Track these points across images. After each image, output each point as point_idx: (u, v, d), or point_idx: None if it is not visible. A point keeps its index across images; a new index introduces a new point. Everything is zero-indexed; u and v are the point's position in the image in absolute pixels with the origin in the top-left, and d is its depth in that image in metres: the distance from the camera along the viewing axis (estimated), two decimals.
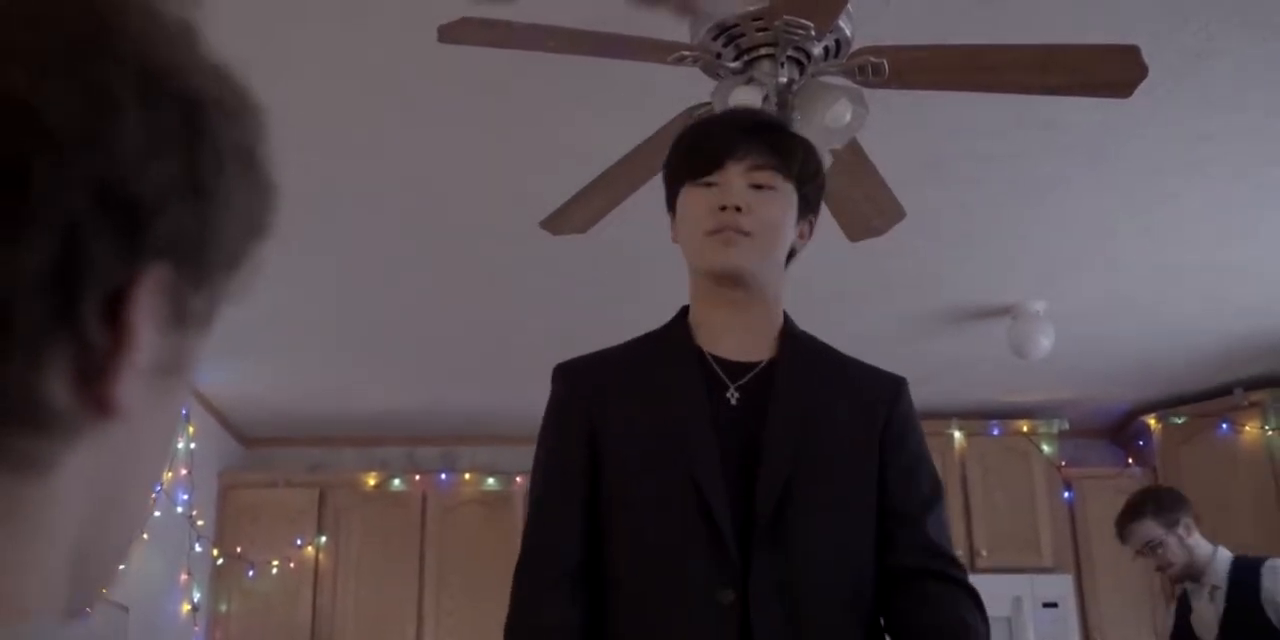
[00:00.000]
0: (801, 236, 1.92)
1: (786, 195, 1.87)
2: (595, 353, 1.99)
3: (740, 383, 1.86)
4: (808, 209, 1.92)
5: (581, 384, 1.94)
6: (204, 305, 0.53)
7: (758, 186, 1.85)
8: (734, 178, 1.85)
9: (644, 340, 1.99)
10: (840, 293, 4.73)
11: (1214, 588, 3.99)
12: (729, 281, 1.88)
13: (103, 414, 0.48)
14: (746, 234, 1.83)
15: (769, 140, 1.88)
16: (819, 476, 1.80)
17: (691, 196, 1.88)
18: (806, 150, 1.92)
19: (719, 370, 1.87)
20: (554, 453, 1.91)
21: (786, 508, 1.76)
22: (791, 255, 1.93)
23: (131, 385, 0.48)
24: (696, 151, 1.90)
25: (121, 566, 0.57)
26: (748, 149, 1.86)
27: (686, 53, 2.72)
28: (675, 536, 1.76)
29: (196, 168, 0.49)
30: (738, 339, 1.89)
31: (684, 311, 1.99)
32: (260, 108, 0.54)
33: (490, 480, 6.22)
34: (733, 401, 1.84)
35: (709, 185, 1.86)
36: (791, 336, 1.92)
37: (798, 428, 1.82)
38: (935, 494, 1.90)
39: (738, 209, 1.82)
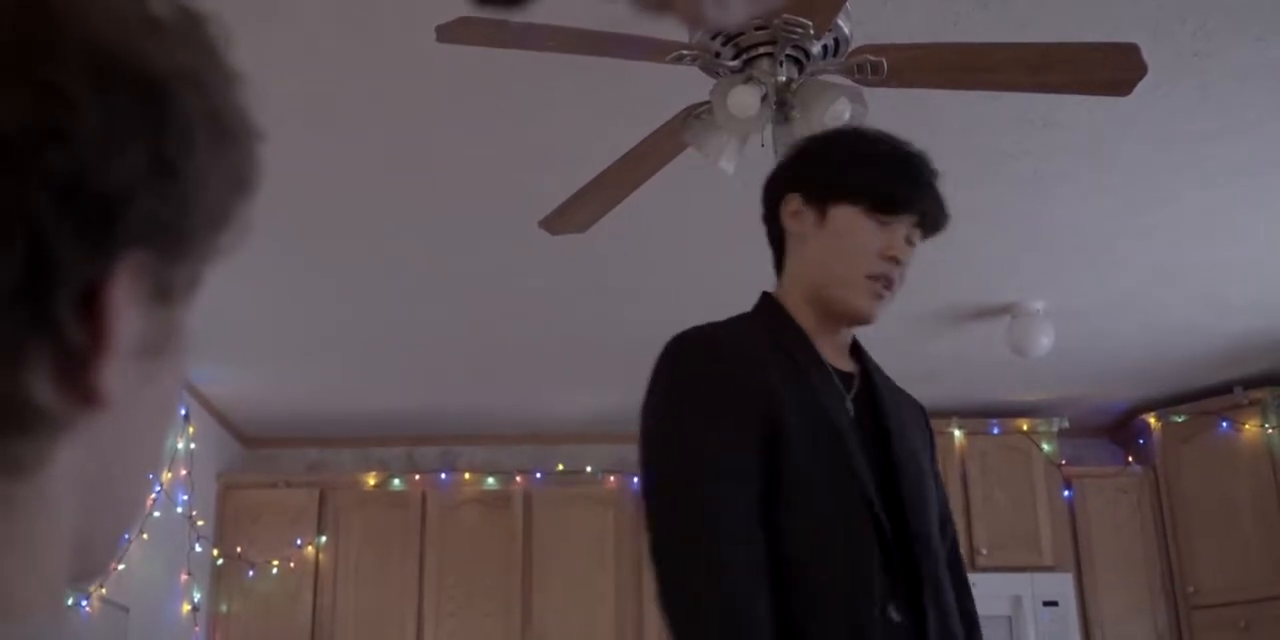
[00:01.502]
0: None
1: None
2: (721, 328, 1.86)
3: (851, 395, 1.85)
4: None
5: (744, 360, 1.79)
6: (188, 273, 0.52)
7: (909, 241, 1.87)
8: (902, 228, 1.85)
9: (760, 327, 1.88)
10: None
11: None
12: (851, 321, 1.89)
13: (89, 406, 0.48)
14: (891, 289, 1.85)
15: (937, 198, 1.88)
16: (930, 496, 1.84)
17: (860, 224, 1.84)
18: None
19: (838, 380, 1.85)
20: (725, 428, 1.72)
21: (925, 531, 1.78)
22: None
23: (116, 373, 0.48)
24: (894, 187, 1.85)
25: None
26: (926, 204, 1.86)
27: (685, 52, 2.72)
28: (856, 551, 1.71)
29: (164, 150, 0.48)
30: (835, 350, 1.90)
31: (775, 302, 1.91)
32: (231, 61, 0.52)
33: (490, 480, 6.21)
34: (851, 413, 1.82)
35: (880, 223, 1.84)
36: (860, 349, 1.94)
37: (910, 448, 1.84)
38: None
39: (899, 263, 1.84)
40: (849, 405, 1.82)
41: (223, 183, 0.51)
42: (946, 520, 1.91)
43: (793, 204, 1.88)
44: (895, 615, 1.69)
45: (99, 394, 0.47)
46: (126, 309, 0.48)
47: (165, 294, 0.50)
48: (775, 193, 1.92)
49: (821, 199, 1.86)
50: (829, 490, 1.73)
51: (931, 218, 1.86)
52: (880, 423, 1.83)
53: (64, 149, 0.45)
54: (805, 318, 1.87)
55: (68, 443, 0.48)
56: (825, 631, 1.68)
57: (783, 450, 1.71)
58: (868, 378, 1.88)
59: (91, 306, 0.47)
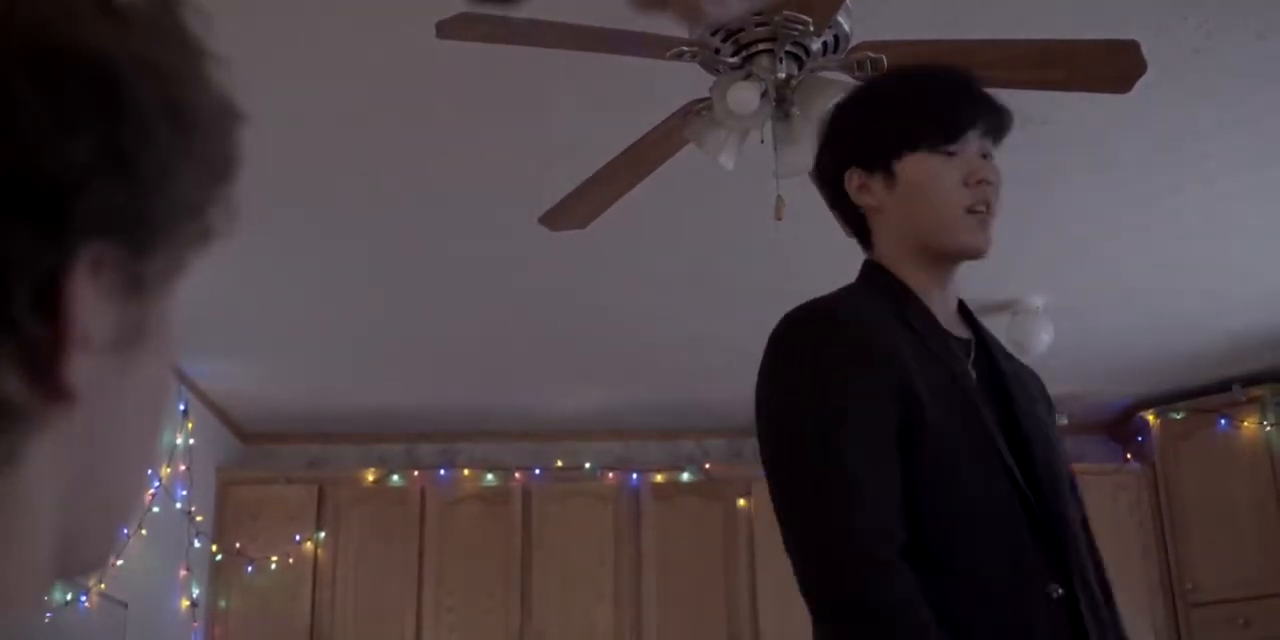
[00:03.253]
0: None
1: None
2: (835, 300, 1.77)
3: (970, 361, 1.75)
4: None
5: (871, 337, 1.68)
6: (165, 264, 0.51)
7: (985, 155, 1.77)
8: (972, 146, 1.75)
9: (874, 296, 1.78)
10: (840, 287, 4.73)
11: None
12: (957, 264, 1.79)
13: (59, 402, 0.47)
14: (991, 212, 1.76)
15: (989, 101, 1.78)
16: (1061, 470, 1.74)
17: (931, 166, 1.74)
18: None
19: (956, 347, 1.75)
20: (863, 413, 1.62)
21: (1069, 502, 1.71)
22: None
23: (84, 368, 0.47)
24: (932, 116, 1.75)
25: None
26: (989, 115, 1.76)
27: (685, 48, 2.72)
28: (1005, 527, 1.63)
29: (118, 138, 0.46)
30: (947, 314, 1.80)
31: (883, 267, 1.81)
32: (206, 46, 0.51)
33: (489, 476, 6.21)
34: (973, 380, 1.72)
35: (948, 155, 1.74)
36: (972, 315, 1.85)
37: (1036, 417, 1.75)
38: None
39: (990, 183, 1.74)
40: (970, 372, 1.72)
41: (193, 170, 0.50)
42: (1074, 488, 1.80)
43: (855, 179, 1.79)
44: (1055, 591, 1.61)
45: (68, 389, 0.47)
46: (91, 302, 0.47)
47: (138, 285, 0.49)
48: (832, 175, 1.82)
49: (880, 162, 1.77)
50: (971, 460, 1.64)
51: (994, 123, 1.77)
52: (1002, 391, 1.73)
53: (5, 139, 0.44)
54: (919, 281, 1.77)
55: (42, 438, 0.47)
56: (983, 612, 1.60)
57: (917, 419, 1.62)
58: (983, 344, 1.79)
59: (52, 301, 0.46)
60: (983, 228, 1.75)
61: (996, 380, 1.75)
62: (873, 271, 1.82)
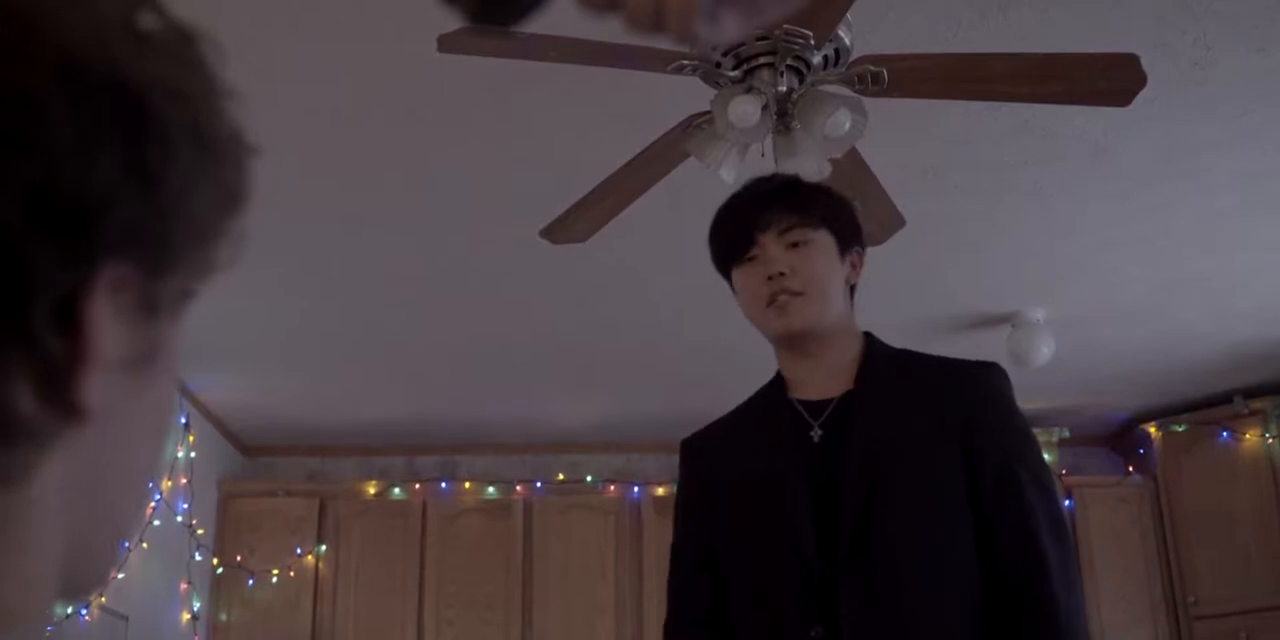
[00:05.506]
0: (854, 267, 2.09)
1: (822, 243, 2.03)
2: (712, 423, 2.18)
3: (821, 420, 1.99)
4: (848, 245, 2.07)
5: (698, 459, 2.15)
6: (177, 287, 0.51)
7: (794, 244, 2.01)
8: (770, 246, 2.01)
9: (750, 401, 2.13)
10: None
11: None
12: (800, 340, 2.03)
13: (73, 419, 0.47)
14: (799, 293, 1.99)
15: (787, 200, 2.04)
16: (901, 499, 1.89)
17: (742, 276, 2.05)
18: (826, 195, 2.11)
19: (803, 412, 2.02)
20: (683, 523, 2.12)
21: (869, 535, 1.87)
22: (853, 289, 2.09)
23: (99, 386, 0.47)
24: (728, 235, 2.07)
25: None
26: (770, 216, 2.01)
27: (686, 62, 2.72)
28: (772, 577, 1.92)
29: (143, 159, 0.47)
30: (819, 380, 2.05)
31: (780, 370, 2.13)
32: (222, 77, 0.52)
33: (490, 489, 6.21)
34: (815, 439, 1.98)
35: (752, 260, 2.02)
36: (868, 365, 2.04)
37: (875, 455, 1.91)
38: (1037, 487, 1.92)
39: (782, 274, 1.99)
40: (814, 433, 1.99)
41: (210, 196, 0.51)
42: (1003, 495, 1.89)
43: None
44: (818, 631, 1.85)
45: (82, 406, 0.47)
46: (108, 321, 0.47)
47: (152, 307, 0.50)
48: None
49: (728, 278, 2.12)
50: (753, 537, 1.97)
51: (792, 212, 2.02)
52: (842, 446, 1.96)
53: (36, 157, 0.44)
54: (789, 365, 2.09)
55: (55, 454, 0.48)
56: None
57: (719, 522, 2.03)
58: (847, 401, 2.01)
59: (71, 318, 0.46)
60: (781, 313, 2.00)
61: (846, 434, 1.98)
62: None
